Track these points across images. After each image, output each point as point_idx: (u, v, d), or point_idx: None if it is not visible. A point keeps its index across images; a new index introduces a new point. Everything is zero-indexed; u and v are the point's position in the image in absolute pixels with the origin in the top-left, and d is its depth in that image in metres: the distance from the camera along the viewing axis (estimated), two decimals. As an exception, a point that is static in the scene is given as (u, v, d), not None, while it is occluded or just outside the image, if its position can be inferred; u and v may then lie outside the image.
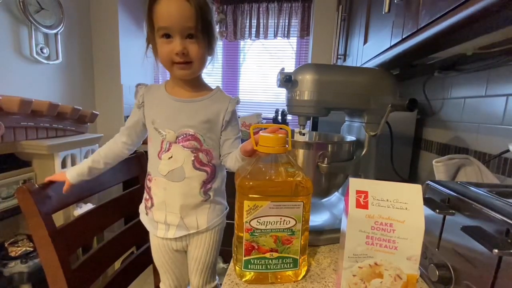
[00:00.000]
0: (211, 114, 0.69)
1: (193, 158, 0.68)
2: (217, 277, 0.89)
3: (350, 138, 0.73)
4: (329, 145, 0.66)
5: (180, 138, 0.67)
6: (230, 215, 0.90)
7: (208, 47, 0.67)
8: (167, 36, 0.62)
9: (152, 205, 0.73)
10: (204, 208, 0.73)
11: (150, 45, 0.69)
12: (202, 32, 0.63)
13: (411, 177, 1.18)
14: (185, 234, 0.74)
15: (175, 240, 0.75)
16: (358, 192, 0.40)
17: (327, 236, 0.65)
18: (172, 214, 0.71)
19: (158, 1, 0.61)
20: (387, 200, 0.40)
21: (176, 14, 0.60)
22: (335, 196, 0.82)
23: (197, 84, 0.71)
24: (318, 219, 0.73)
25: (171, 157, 0.67)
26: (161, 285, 0.83)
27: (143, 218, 0.78)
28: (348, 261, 0.41)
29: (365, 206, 0.40)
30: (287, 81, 0.65)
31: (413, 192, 0.40)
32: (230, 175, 0.88)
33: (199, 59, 0.65)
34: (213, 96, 0.71)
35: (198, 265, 0.78)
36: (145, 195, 0.76)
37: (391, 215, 0.39)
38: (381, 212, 0.39)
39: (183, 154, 0.67)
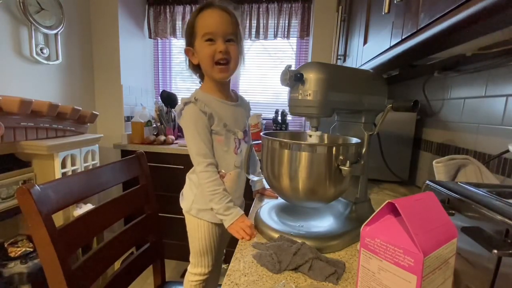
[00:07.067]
0: (247, 113, 0.90)
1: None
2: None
3: (356, 139, 0.70)
4: (349, 147, 0.63)
5: (243, 134, 0.85)
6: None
7: (241, 49, 0.81)
8: (211, 40, 0.75)
9: None
10: None
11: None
12: (237, 37, 0.78)
13: (411, 178, 1.18)
14: None
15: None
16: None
17: (333, 243, 0.62)
18: (238, 199, 0.87)
19: (202, 13, 0.76)
20: None
21: (219, 21, 0.75)
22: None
23: (227, 87, 0.86)
24: (323, 224, 0.69)
25: (241, 151, 0.85)
26: (198, 270, 0.88)
27: (206, 213, 0.83)
28: None
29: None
30: (297, 79, 0.60)
31: None
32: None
33: (236, 58, 0.79)
34: (240, 99, 0.89)
35: (227, 242, 0.99)
36: None
37: None
38: None
39: (245, 147, 0.86)
